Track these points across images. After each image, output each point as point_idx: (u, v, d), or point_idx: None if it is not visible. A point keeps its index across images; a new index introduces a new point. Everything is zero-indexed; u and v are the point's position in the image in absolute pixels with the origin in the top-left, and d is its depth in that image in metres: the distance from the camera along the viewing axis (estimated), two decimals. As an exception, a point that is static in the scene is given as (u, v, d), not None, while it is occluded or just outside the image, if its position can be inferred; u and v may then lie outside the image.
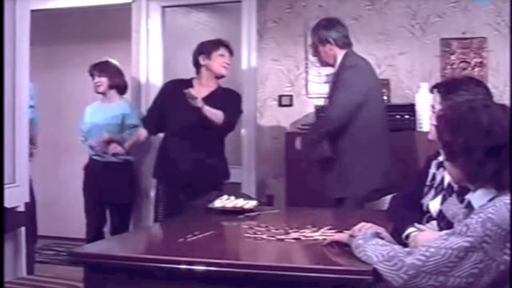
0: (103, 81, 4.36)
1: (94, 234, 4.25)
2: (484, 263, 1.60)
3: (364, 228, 1.94)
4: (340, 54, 3.48)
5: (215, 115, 3.62)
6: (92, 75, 4.43)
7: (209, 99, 3.67)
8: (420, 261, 1.66)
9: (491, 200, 1.68)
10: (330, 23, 3.55)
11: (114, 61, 4.46)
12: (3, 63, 3.04)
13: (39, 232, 4.39)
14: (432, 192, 2.27)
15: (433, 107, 2.27)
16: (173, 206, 3.62)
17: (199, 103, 3.55)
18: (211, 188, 3.41)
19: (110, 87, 4.38)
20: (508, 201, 1.64)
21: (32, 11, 3.38)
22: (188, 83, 3.79)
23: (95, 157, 4.35)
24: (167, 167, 3.73)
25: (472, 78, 2.61)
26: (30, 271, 3.13)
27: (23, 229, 3.17)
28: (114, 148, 4.08)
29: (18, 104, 3.18)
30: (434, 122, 2.18)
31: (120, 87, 4.42)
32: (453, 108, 1.83)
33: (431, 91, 2.32)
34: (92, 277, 2.02)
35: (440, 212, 2.17)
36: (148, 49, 4.84)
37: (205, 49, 3.76)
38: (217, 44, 3.76)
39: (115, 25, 5.40)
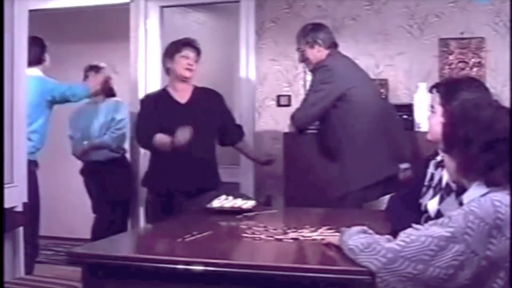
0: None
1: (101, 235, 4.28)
2: (466, 256, 1.60)
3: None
4: (325, 55, 3.54)
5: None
6: (86, 76, 4.59)
7: (193, 105, 3.56)
8: (399, 246, 1.67)
9: (481, 197, 1.70)
10: (317, 26, 3.65)
11: (106, 66, 4.65)
12: (3, 63, 3.04)
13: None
14: (431, 192, 2.27)
15: (432, 107, 2.27)
16: (163, 211, 3.51)
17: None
18: (203, 192, 3.39)
19: (102, 90, 4.53)
20: (496, 198, 1.65)
21: (30, 11, 3.38)
22: (164, 93, 3.64)
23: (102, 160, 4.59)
24: (159, 176, 3.57)
25: (474, 78, 2.60)
26: (29, 270, 3.13)
27: (21, 229, 3.17)
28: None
29: (16, 103, 3.18)
30: (433, 122, 2.19)
31: (109, 92, 4.64)
32: (459, 105, 1.91)
33: (430, 90, 2.32)
34: (91, 277, 2.02)
35: (438, 212, 2.17)
36: (146, 49, 4.84)
37: (169, 51, 3.61)
38: (180, 45, 3.59)
39: (114, 25, 5.40)
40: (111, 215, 4.50)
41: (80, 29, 5.87)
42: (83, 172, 4.71)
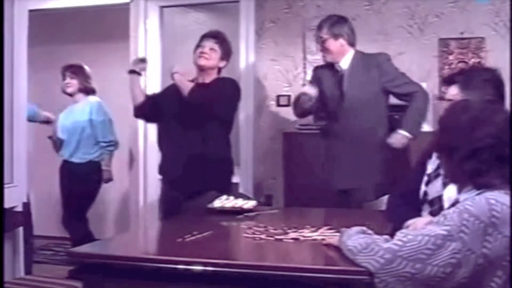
0: (74, 83, 4.51)
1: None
2: (462, 254, 1.60)
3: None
4: (348, 51, 3.52)
5: (184, 83, 3.37)
6: (63, 75, 4.55)
7: (202, 87, 3.44)
8: (397, 246, 1.67)
9: (476, 195, 1.70)
10: (342, 19, 3.60)
11: (86, 67, 4.59)
12: (3, 63, 3.04)
13: (38, 232, 4.39)
14: (440, 180, 2.23)
15: (449, 100, 2.26)
16: (174, 206, 3.48)
17: (174, 68, 3.39)
18: (211, 188, 3.36)
19: (79, 90, 4.52)
20: (492, 196, 1.65)
21: (30, 11, 3.38)
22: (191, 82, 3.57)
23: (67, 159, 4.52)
24: (168, 163, 3.52)
25: (493, 69, 2.49)
26: (28, 271, 3.13)
27: (21, 229, 3.17)
28: None
29: (16, 104, 3.19)
30: None
31: (88, 91, 4.56)
32: (451, 106, 1.89)
33: (448, 83, 2.30)
34: (91, 277, 2.02)
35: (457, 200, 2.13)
36: (146, 49, 4.84)
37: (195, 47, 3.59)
38: (200, 38, 3.55)
39: (114, 25, 5.40)
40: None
41: (80, 29, 5.86)
42: (62, 169, 4.58)
